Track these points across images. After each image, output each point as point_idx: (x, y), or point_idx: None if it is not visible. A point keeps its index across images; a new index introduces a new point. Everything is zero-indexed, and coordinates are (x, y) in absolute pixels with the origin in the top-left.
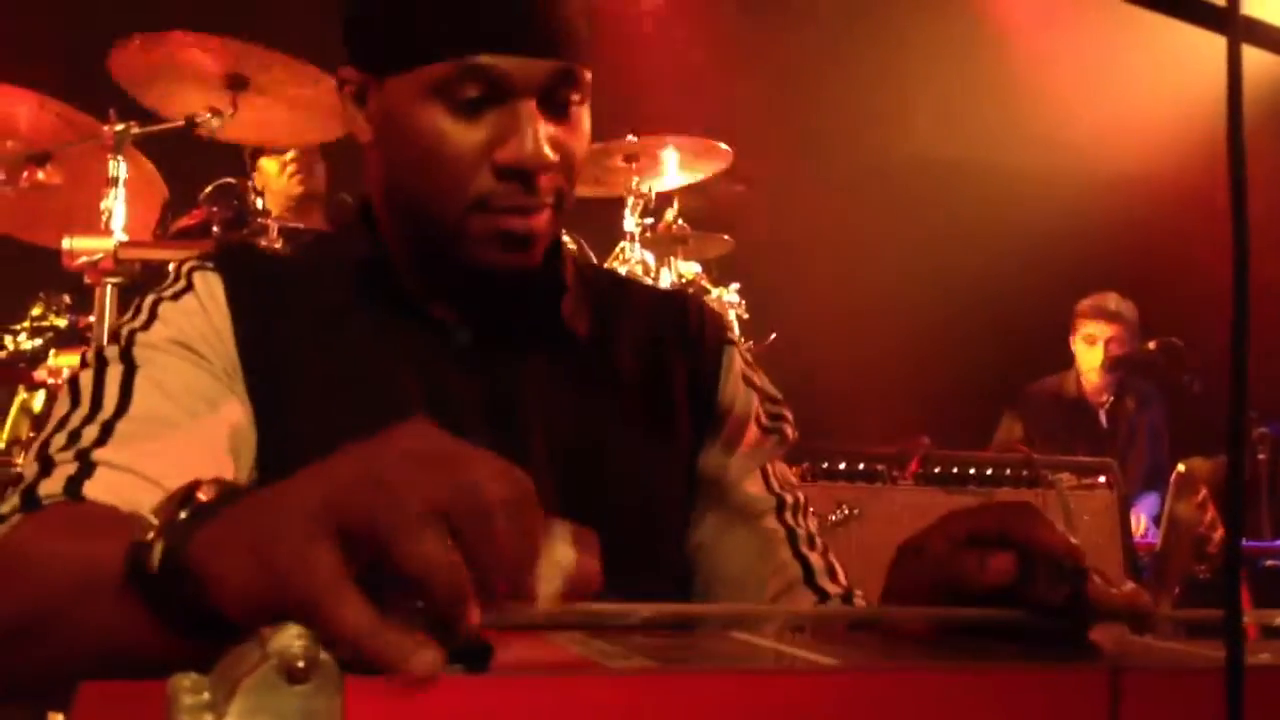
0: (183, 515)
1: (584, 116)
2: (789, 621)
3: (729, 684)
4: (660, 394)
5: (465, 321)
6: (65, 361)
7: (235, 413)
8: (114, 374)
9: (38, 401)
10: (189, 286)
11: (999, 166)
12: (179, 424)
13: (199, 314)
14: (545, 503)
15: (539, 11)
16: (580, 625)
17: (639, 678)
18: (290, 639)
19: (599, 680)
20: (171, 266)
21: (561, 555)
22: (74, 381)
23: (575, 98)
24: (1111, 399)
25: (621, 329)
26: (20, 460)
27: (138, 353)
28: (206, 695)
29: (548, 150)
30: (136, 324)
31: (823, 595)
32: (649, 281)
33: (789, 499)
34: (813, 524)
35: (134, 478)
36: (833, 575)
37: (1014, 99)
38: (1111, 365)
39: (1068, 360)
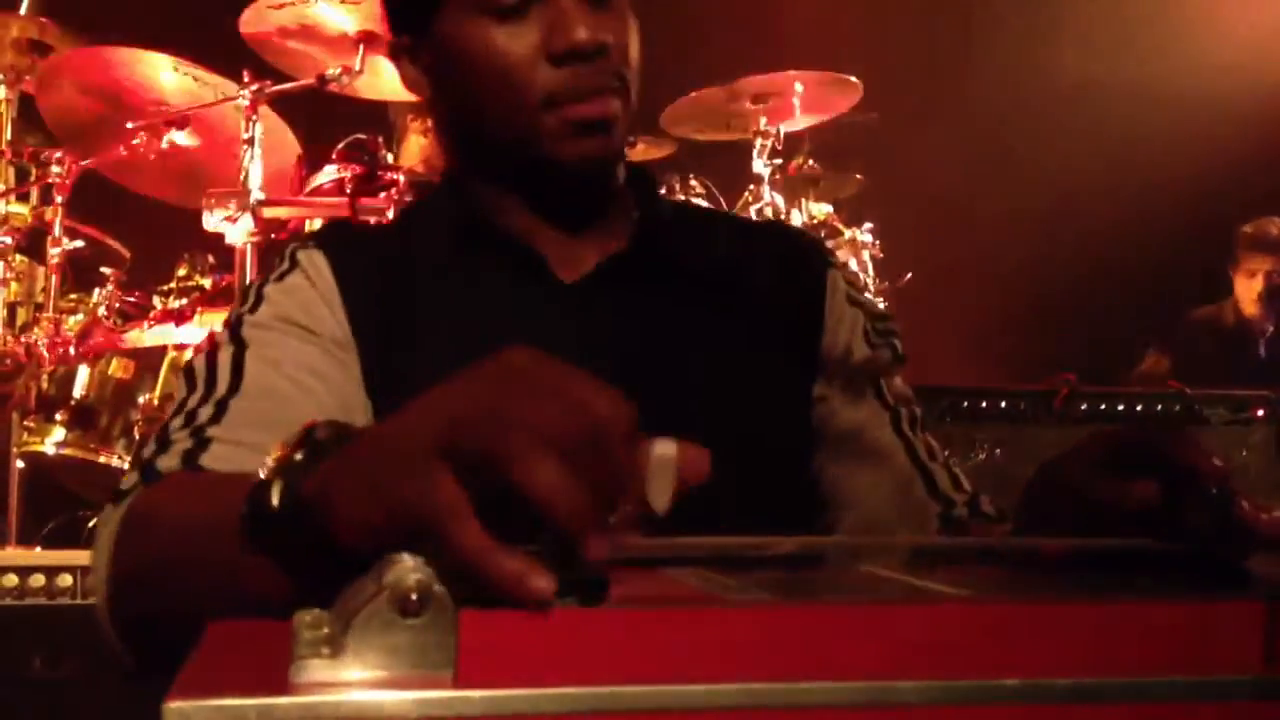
0: (299, 456)
1: (625, 7)
2: (919, 552)
3: (854, 616)
4: (764, 324)
5: (561, 258)
6: (212, 319)
7: (345, 383)
8: (225, 355)
9: (186, 359)
10: (294, 265)
11: (1150, 90)
12: (290, 397)
13: (304, 289)
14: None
15: None
16: (705, 560)
17: (759, 610)
18: (405, 572)
19: (718, 613)
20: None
21: (663, 451)
22: (189, 368)
23: None
24: (1272, 329)
25: (720, 262)
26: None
27: (246, 333)
28: (325, 630)
29: (598, 31)
30: (244, 308)
31: (948, 503)
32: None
33: (904, 412)
34: (931, 439)
35: (248, 450)
36: (957, 484)
37: (1165, 18)
38: (1271, 293)
39: (1228, 290)
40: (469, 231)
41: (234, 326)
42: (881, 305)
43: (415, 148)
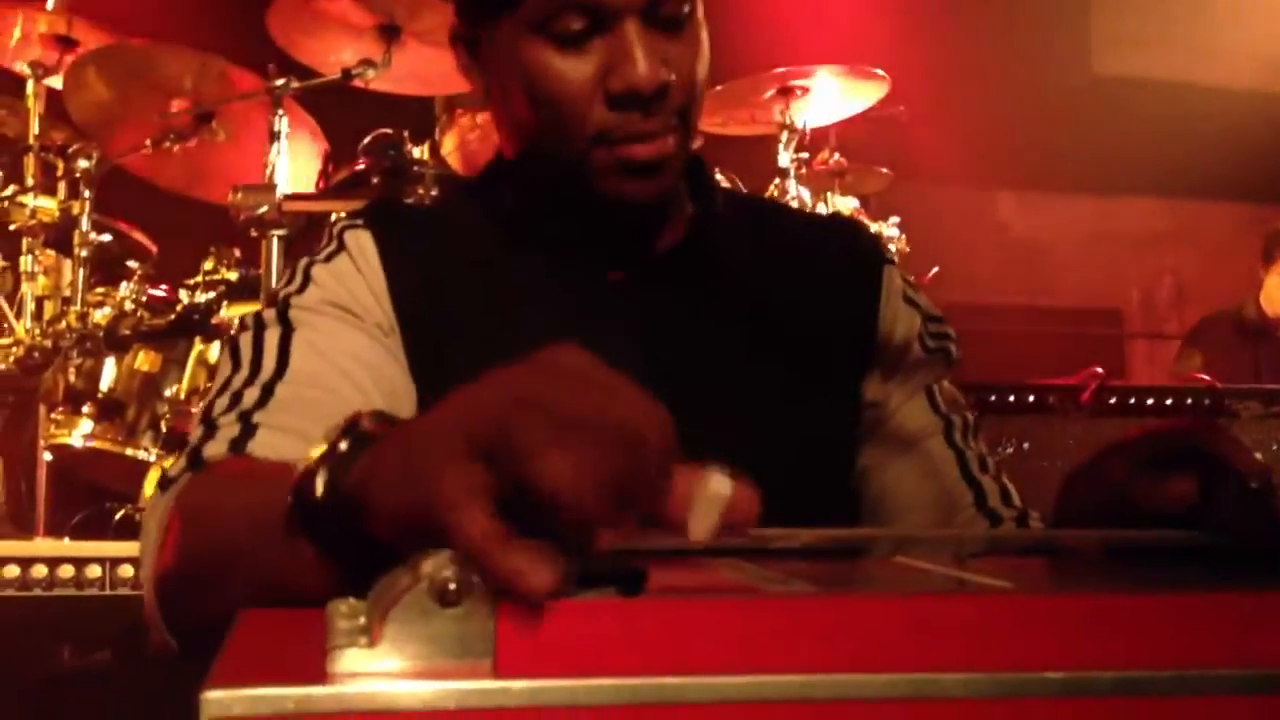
0: (344, 446)
1: (697, 27)
2: (957, 545)
3: (892, 608)
4: (817, 320)
5: (611, 259)
6: (237, 312)
7: (390, 370)
8: (272, 337)
9: (213, 353)
10: (340, 247)
11: (1182, 85)
12: (335, 384)
13: (351, 274)
14: (702, 439)
15: None
16: (742, 551)
17: (797, 601)
18: (443, 562)
19: (756, 604)
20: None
21: (717, 486)
22: (235, 344)
23: (684, 9)
24: None
25: (775, 255)
26: (197, 409)
27: (294, 315)
28: (362, 620)
29: (660, 71)
30: (292, 288)
31: (996, 519)
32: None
33: (957, 420)
34: (983, 446)
35: (294, 437)
36: (1006, 498)
37: (1200, 12)
38: None
39: (1256, 284)
40: (521, 225)
41: (281, 306)
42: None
43: (450, 144)
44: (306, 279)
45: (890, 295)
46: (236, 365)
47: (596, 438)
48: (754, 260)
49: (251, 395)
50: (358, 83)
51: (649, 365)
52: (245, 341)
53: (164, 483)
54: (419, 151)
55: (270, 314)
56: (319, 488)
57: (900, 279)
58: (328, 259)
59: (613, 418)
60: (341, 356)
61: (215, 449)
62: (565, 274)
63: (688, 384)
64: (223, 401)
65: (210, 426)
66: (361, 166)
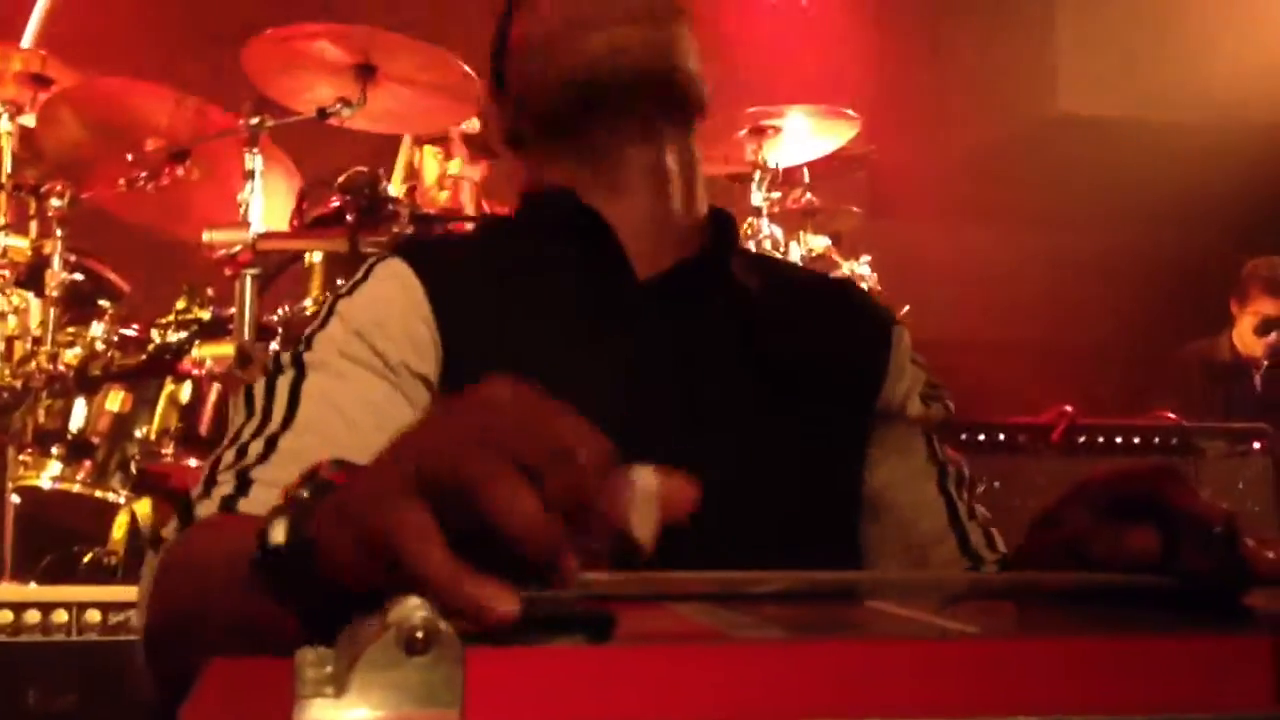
0: (304, 493)
1: None
2: (931, 590)
3: (862, 653)
4: (825, 363)
5: (641, 250)
6: (209, 352)
7: (404, 415)
8: (284, 382)
9: (184, 393)
10: (367, 277)
11: (1151, 124)
12: (340, 436)
13: (381, 300)
14: (718, 456)
15: None
16: (714, 596)
17: (767, 648)
18: (410, 610)
19: (725, 650)
20: None
21: (645, 483)
22: (249, 390)
23: None
24: (1268, 363)
25: (787, 296)
26: (168, 450)
27: (309, 358)
28: (329, 669)
29: None
30: (315, 325)
31: (977, 560)
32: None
33: (951, 471)
34: (975, 500)
35: None
36: (990, 543)
37: (1164, 52)
38: (1266, 326)
39: (1223, 323)
40: (543, 206)
41: (299, 349)
42: None
43: (432, 176)
44: (330, 313)
45: (899, 352)
46: (249, 413)
47: (540, 465)
48: (769, 300)
49: (255, 448)
50: (333, 121)
51: (674, 385)
52: (259, 388)
53: (155, 543)
54: (394, 189)
55: (286, 357)
56: (279, 534)
57: (908, 340)
58: (350, 291)
59: (552, 446)
60: (352, 404)
61: (207, 508)
62: (595, 277)
63: (687, 407)
64: (229, 456)
65: (209, 484)
66: (336, 204)
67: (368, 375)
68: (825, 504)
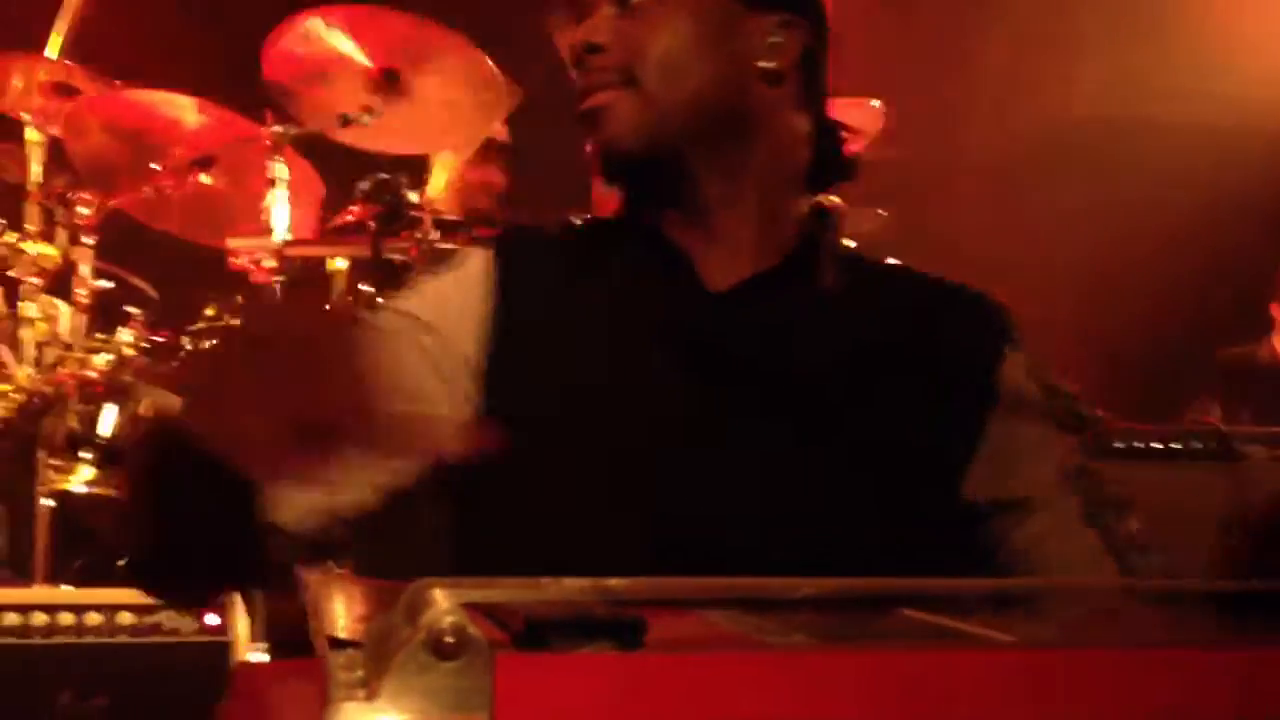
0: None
1: (653, 8)
2: (957, 597)
3: (890, 662)
4: (917, 384)
5: (711, 264)
6: None
7: (441, 404)
8: None
9: None
10: (450, 263)
11: (1178, 126)
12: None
13: (451, 288)
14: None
15: None
16: (744, 602)
17: (795, 655)
18: (440, 615)
19: (753, 657)
20: None
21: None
22: None
23: None
24: None
25: (880, 306)
26: None
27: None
28: (360, 672)
29: (593, 33)
30: (395, 292)
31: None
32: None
33: (1092, 496)
34: (1127, 518)
35: None
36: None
37: (1180, 54)
38: None
39: (1263, 327)
40: (616, 228)
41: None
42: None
43: (442, 182)
44: (409, 286)
45: (1007, 382)
46: None
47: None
48: (858, 308)
49: None
50: (346, 136)
51: (741, 380)
52: None
53: None
54: (415, 195)
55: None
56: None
57: (1023, 362)
58: (435, 272)
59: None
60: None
61: None
62: (661, 285)
63: (760, 418)
64: None
65: None
66: (358, 210)
67: (413, 355)
68: (910, 530)
